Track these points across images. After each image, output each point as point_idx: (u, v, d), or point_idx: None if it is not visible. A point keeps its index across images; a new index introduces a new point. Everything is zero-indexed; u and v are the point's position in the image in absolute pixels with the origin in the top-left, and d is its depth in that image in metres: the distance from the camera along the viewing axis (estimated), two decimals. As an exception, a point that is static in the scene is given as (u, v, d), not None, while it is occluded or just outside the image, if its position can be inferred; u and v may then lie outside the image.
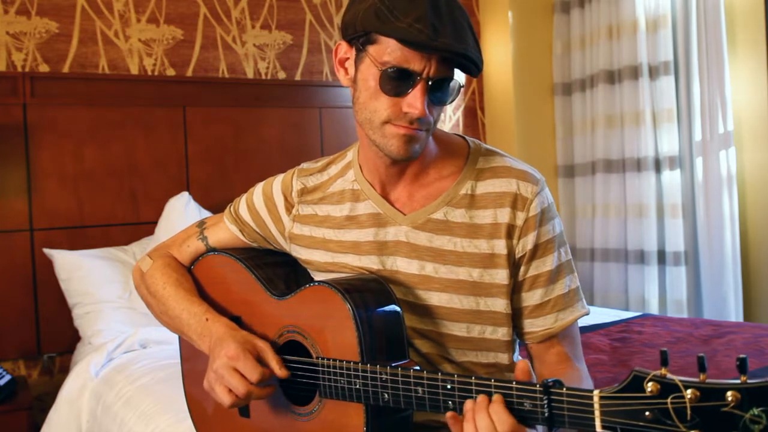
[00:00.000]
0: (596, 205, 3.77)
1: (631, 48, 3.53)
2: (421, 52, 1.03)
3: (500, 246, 1.14)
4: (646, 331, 2.48)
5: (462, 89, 1.10)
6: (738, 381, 0.74)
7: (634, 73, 3.53)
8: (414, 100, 1.05)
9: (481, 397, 0.93)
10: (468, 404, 0.94)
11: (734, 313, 3.22)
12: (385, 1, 1.04)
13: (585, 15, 3.82)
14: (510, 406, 0.91)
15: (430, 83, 1.06)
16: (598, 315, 2.87)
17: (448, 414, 0.95)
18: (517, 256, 1.15)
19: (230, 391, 1.11)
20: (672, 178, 3.42)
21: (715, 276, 3.28)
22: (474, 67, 1.07)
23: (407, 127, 1.08)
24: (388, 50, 1.05)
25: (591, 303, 3.78)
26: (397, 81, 1.06)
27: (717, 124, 3.26)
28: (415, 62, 1.04)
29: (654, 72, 3.48)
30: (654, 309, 3.44)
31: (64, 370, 2.80)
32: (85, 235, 2.93)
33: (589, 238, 3.83)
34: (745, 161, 3.32)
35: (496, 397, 0.91)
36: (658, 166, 3.50)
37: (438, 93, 1.08)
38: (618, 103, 3.63)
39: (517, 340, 1.25)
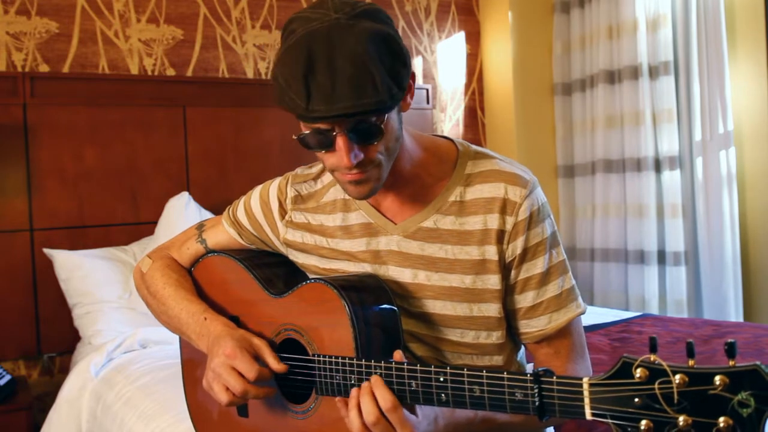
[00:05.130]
0: (596, 205, 3.77)
1: (631, 48, 3.53)
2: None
3: (491, 252, 1.14)
4: (646, 331, 2.48)
5: (396, 112, 1.07)
6: (726, 365, 0.74)
7: (634, 73, 3.53)
8: (339, 154, 1.05)
9: (364, 384, 1.01)
10: (353, 391, 1.02)
11: (734, 313, 3.22)
12: (275, 70, 1.04)
13: (585, 15, 3.82)
14: (501, 395, 0.92)
15: (350, 133, 1.03)
16: (598, 315, 2.87)
17: (338, 398, 1.04)
18: (508, 260, 1.15)
19: (228, 389, 1.12)
20: (672, 178, 3.43)
21: (715, 276, 3.28)
22: (373, 110, 1.00)
23: (350, 174, 1.07)
24: None
25: (591, 303, 3.78)
26: (317, 140, 1.05)
27: (717, 124, 3.26)
28: (322, 123, 1.03)
29: (654, 72, 3.48)
30: (654, 309, 3.44)
31: (64, 370, 2.80)
32: (85, 235, 2.93)
33: (589, 238, 3.84)
34: (745, 161, 3.32)
35: (374, 378, 1.00)
36: (658, 166, 3.50)
37: (364, 136, 1.04)
38: (618, 103, 3.64)
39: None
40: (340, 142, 1.03)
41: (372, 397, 0.99)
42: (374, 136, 1.04)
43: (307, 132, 1.05)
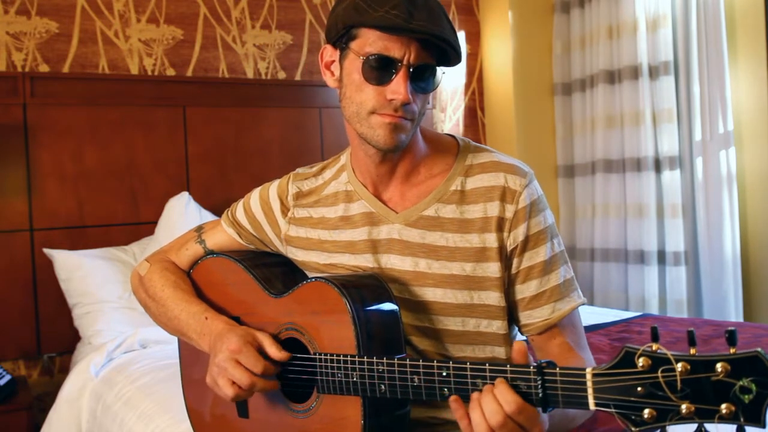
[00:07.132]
0: (596, 205, 3.77)
1: (631, 48, 3.53)
2: (398, 35, 1.07)
3: (491, 239, 1.15)
4: (646, 331, 2.48)
5: (443, 75, 1.14)
6: (728, 353, 0.75)
7: (634, 73, 3.53)
8: (397, 87, 1.08)
9: (486, 386, 0.94)
10: (474, 395, 0.95)
11: (734, 313, 3.22)
12: None
13: (585, 15, 3.82)
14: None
15: (411, 70, 1.09)
16: (598, 315, 2.87)
17: (453, 397, 0.96)
18: (509, 248, 1.16)
19: (234, 383, 1.12)
20: (672, 178, 3.42)
21: (715, 276, 3.28)
22: (453, 51, 1.10)
23: (392, 115, 1.10)
24: (369, 41, 1.09)
25: (591, 303, 3.78)
26: (379, 70, 1.09)
27: (717, 124, 3.26)
28: (395, 49, 1.08)
29: (654, 72, 3.48)
30: (654, 309, 3.44)
31: (64, 370, 2.80)
32: (85, 235, 2.93)
33: (589, 238, 3.83)
34: (745, 161, 3.32)
35: (498, 380, 0.93)
36: (658, 166, 3.50)
37: (420, 82, 1.11)
38: (618, 103, 3.63)
39: (518, 336, 1.26)
40: (403, 74, 1.08)
41: (495, 399, 0.92)
42: (431, 85, 1.12)
43: (373, 56, 1.08)
